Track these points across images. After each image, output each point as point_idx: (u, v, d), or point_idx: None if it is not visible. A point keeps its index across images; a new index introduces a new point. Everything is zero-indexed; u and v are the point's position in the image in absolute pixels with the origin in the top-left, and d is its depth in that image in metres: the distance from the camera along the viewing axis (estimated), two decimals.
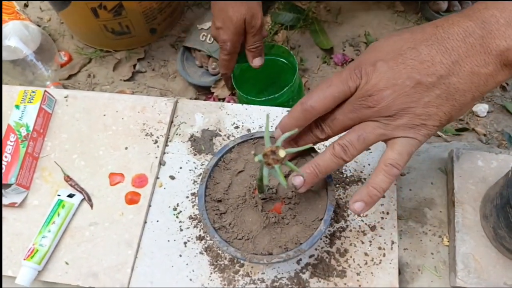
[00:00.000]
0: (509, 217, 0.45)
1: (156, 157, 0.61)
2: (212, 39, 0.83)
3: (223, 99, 0.87)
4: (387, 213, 0.56)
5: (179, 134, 0.63)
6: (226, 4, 0.65)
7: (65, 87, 0.89)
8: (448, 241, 0.56)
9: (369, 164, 0.60)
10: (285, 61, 0.78)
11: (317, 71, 0.89)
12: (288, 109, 0.65)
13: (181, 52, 0.89)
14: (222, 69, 0.74)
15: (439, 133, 0.77)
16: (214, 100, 0.87)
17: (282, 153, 0.35)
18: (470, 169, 0.57)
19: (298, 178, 0.42)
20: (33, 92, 0.63)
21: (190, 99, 0.88)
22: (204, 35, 0.85)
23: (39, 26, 0.98)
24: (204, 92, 0.89)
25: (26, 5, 1.03)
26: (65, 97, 0.67)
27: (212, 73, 0.85)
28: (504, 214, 0.47)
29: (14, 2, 0.93)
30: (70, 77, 0.92)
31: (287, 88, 0.69)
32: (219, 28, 0.68)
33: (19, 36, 0.85)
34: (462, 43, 0.37)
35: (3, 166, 0.57)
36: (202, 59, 0.86)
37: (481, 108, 0.81)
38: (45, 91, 0.64)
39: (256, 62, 0.71)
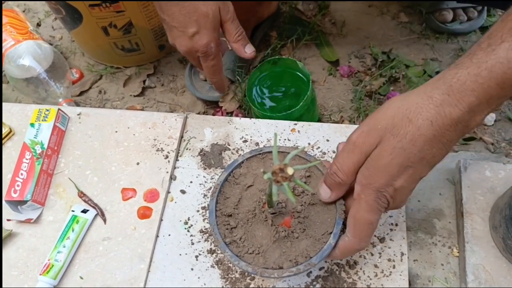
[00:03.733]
0: None
1: (167, 172, 0.62)
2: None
3: (231, 113, 0.88)
4: (396, 225, 0.57)
5: (189, 149, 0.65)
6: (195, 3, 0.58)
7: (77, 103, 0.91)
8: (458, 252, 0.56)
9: None
10: (297, 73, 0.78)
11: (323, 83, 0.90)
12: (296, 122, 0.66)
13: (189, 68, 0.91)
14: (212, 77, 0.68)
15: None
16: (222, 113, 0.89)
17: (290, 170, 0.36)
18: (478, 180, 0.57)
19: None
20: (47, 110, 0.65)
21: (199, 113, 0.91)
22: None
23: (51, 44, 1.01)
24: (212, 106, 0.91)
25: (39, 24, 1.06)
26: (78, 114, 0.69)
27: None
28: None
29: (27, 22, 0.96)
30: (81, 93, 0.94)
31: (303, 101, 0.69)
32: (195, 34, 0.60)
33: (33, 55, 0.87)
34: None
35: (19, 183, 0.59)
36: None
37: (488, 117, 0.81)
38: (59, 109, 0.66)
39: (249, 49, 0.65)
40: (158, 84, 0.95)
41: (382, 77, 0.86)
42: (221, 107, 0.89)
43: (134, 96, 0.93)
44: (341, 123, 0.83)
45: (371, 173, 0.41)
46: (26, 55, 0.87)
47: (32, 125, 0.64)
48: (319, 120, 0.85)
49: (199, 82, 0.90)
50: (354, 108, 0.85)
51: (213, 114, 0.89)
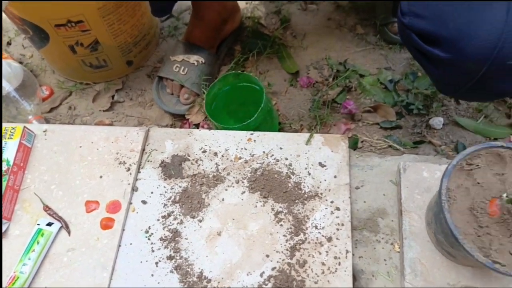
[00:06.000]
0: (442, 223, 0.50)
1: (129, 184, 0.65)
2: (185, 70, 0.89)
3: (198, 124, 0.92)
4: (342, 225, 0.61)
5: (151, 161, 0.68)
6: None
7: (47, 120, 0.94)
8: (399, 248, 0.60)
9: (325, 180, 0.65)
10: (254, 86, 0.83)
11: (285, 93, 0.95)
12: (252, 132, 0.70)
13: (156, 82, 0.95)
14: None
15: (397, 146, 0.83)
16: (189, 125, 0.92)
17: None
18: (416, 180, 0.62)
19: None
20: (13, 128, 0.68)
21: (167, 125, 0.94)
22: (177, 66, 0.91)
23: (21, 62, 1.04)
24: (179, 118, 0.95)
25: (9, 43, 1.09)
26: (44, 131, 0.72)
27: (184, 103, 0.90)
28: (439, 221, 0.52)
29: None
30: (51, 110, 0.97)
31: (258, 112, 0.74)
32: None
33: (3, 74, 0.90)
34: None
35: None
36: (174, 89, 0.91)
37: (437, 121, 0.86)
38: (25, 126, 0.69)
39: None
40: (126, 99, 0.99)
41: (338, 87, 0.91)
42: (188, 119, 0.93)
43: (103, 111, 0.96)
44: (301, 131, 0.88)
45: None
46: None
47: None
48: (281, 129, 0.89)
49: (166, 96, 0.94)
50: (312, 116, 0.89)
51: (181, 126, 0.93)
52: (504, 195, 0.48)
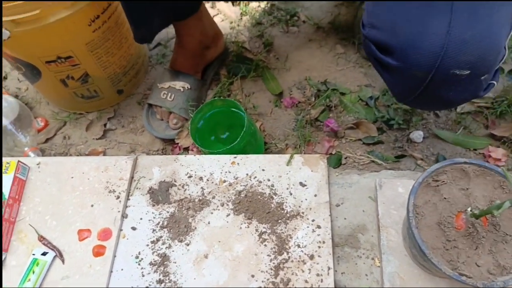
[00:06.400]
0: (413, 237, 0.53)
1: (119, 211, 0.68)
2: (172, 96, 0.93)
3: (187, 148, 0.95)
4: (323, 242, 0.64)
5: (139, 188, 0.71)
6: None
7: (42, 150, 0.97)
8: (379, 262, 0.63)
9: (306, 199, 0.68)
10: (237, 110, 0.87)
11: (270, 114, 0.98)
12: (236, 156, 0.73)
13: (146, 109, 0.98)
14: None
15: (379, 161, 0.86)
16: (179, 149, 0.96)
17: None
18: (392, 196, 0.65)
19: None
20: (8, 163, 0.71)
21: (158, 150, 0.98)
22: (164, 93, 0.95)
23: (17, 96, 1.08)
24: (169, 142, 0.98)
25: (5, 78, 1.13)
26: (38, 164, 0.75)
27: (173, 128, 0.94)
28: (411, 235, 0.54)
29: None
30: (47, 140, 1.01)
31: (240, 137, 0.77)
32: None
33: None
34: None
35: None
36: (163, 115, 0.95)
37: (417, 135, 0.89)
38: (19, 161, 0.72)
39: None
40: (118, 126, 1.02)
41: (320, 106, 0.95)
42: (178, 143, 0.96)
43: (97, 139, 1.00)
44: (286, 150, 0.91)
45: None
46: None
47: None
48: (267, 149, 0.92)
49: (156, 122, 0.98)
50: (297, 136, 0.93)
51: (171, 150, 0.96)
52: (469, 209, 0.51)
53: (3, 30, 0.74)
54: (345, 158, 0.90)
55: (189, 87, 0.94)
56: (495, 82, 0.57)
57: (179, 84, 0.95)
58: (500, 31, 0.49)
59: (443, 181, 0.54)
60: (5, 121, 0.94)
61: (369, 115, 0.94)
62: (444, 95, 0.53)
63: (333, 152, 0.90)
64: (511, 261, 0.49)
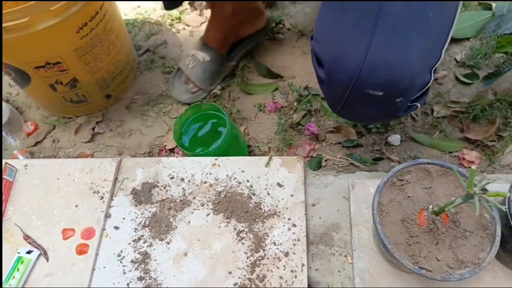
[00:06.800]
0: (376, 233, 0.55)
1: (102, 211, 0.71)
2: (193, 64, 1.00)
3: (173, 149, 0.98)
4: (298, 240, 0.66)
5: (123, 189, 0.74)
6: None
7: (32, 153, 1.00)
8: (351, 259, 0.66)
9: (282, 199, 0.70)
10: (220, 114, 0.89)
11: (255, 118, 1.02)
12: (216, 158, 0.76)
13: (176, 70, 1.05)
14: None
15: (358, 163, 0.89)
16: (165, 151, 0.99)
17: None
18: (363, 195, 0.67)
19: None
20: None
21: (144, 153, 1.00)
22: (189, 59, 1.01)
23: (8, 100, 1.10)
24: (158, 144, 1.00)
25: None
26: (25, 166, 0.77)
27: (190, 91, 1.01)
28: (375, 231, 0.57)
29: None
30: (36, 144, 1.03)
31: (221, 139, 0.80)
32: None
33: None
34: None
35: None
36: (185, 79, 1.01)
37: (394, 139, 0.93)
38: (6, 163, 0.75)
39: None
40: (107, 130, 1.05)
41: (302, 110, 0.98)
42: (165, 146, 0.99)
43: (85, 142, 1.02)
44: (269, 153, 0.94)
45: None
46: None
47: None
48: (250, 151, 0.95)
49: (180, 83, 1.03)
50: (280, 139, 0.96)
51: (158, 153, 0.99)
52: (431, 207, 0.54)
53: None
54: (325, 160, 0.93)
55: (208, 59, 0.99)
56: (418, 105, 0.62)
57: (200, 55, 1.00)
58: (418, 59, 0.53)
59: (407, 181, 0.57)
60: None
61: None
62: (361, 111, 0.58)
63: (314, 155, 0.93)
64: (469, 255, 0.52)
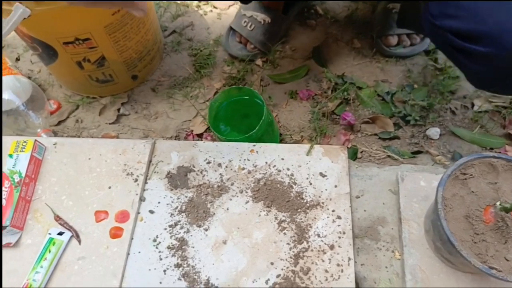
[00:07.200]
0: (440, 230, 0.52)
1: (137, 194, 0.68)
2: (252, 26, 0.98)
3: (201, 134, 0.95)
4: (344, 233, 0.63)
5: (157, 172, 0.71)
6: None
7: (55, 133, 0.96)
8: (399, 255, 0.63)
9: (326, 189, 0.67)
10: (255, 99, 0.86)
11: (285, 106, 0.98)
12: (254, 144, 0.72)
13: (228, 29, 1.03)
14: None
15: (396, 156, 0.85)
16: (192, 136, 0.95)
17: None
18: (414, 189, 0.64)
19: None
20: (25, 141, 0.71)
21: (171, 137, 0.97)
22: (245, 21, 0.99)
23: (30, 77, 1.07)
24: (185, 128, 0.97)
25: (18, 59, 1.12)
26: (54, 144, 0.74)
27: (249, 50, 1.00)
28: (437, 228, 0.54)
29: (6, 58, 1.01)
30: (59, 123, 1.00)
31: (259, 125, 0.76)
32: None
33: (12, 89, 0.93)
34: None
35: None
36: (242, 40, 1.00)
37: (434, 132, 0.89)
38: (36, 140, 0.71)
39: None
40: (132, 112, 1.01)
41: (337, 99, 0.94)
42: (192, 130, 0.96)
43: (110, 123, 0.99)
44: (301, 142, 0.91)
45: None
46: (6, 89, 0.93)
47: (10, 156, 0.69)
48: (281, 140, 0.92)
49: (234, 42, 1.02)
50: (312, 128, 0.92)
51: (185, 138, 0.96)
52: (498, 203, 0.51)
53: (24, 7, 0.73)
54: (361, 152, 0.89)
55: (269, 21, 0.98)
56: None
57: (260, 16, 0.99)
58: None
59: (471, 175, 0.53)
60: (18, 102, 0.93)
61: (386, 110, 0.93)
62: None
63: (349, 146, 0.90)
64: None
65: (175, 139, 0.95)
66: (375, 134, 0.91)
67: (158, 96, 1.03)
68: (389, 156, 0.87)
